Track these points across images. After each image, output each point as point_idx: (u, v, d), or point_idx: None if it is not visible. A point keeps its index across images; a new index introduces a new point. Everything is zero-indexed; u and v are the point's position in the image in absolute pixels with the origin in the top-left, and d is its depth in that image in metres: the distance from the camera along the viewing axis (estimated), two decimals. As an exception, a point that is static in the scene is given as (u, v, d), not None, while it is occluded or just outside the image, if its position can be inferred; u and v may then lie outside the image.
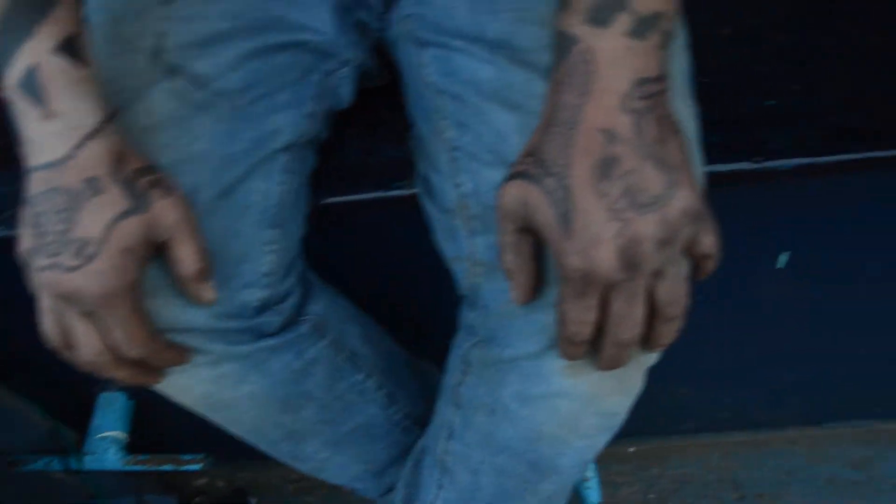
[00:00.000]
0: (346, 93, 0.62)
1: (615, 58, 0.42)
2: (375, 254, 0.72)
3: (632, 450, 1.10)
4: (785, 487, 1.07)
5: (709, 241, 0.46)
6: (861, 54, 0.66)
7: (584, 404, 0.55)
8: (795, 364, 0.95)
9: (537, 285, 0.50)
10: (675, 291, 0.46)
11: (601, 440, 0.60)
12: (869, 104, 0.63)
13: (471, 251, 0.55)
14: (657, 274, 0.45)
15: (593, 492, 0.96)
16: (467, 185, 0.53)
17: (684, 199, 0.43)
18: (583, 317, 0.46)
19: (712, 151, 0.57)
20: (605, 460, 1.09)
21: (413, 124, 0.61)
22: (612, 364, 0.49)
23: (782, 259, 0.76)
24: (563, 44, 0.44)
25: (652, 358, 0.55)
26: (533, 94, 0.50)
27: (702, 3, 0.68)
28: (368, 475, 0.74)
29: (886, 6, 0.69)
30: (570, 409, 0.55)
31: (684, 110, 0.53)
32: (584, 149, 0.42)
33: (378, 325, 0.73)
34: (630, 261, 0.43)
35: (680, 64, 0.55)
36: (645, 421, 1.02)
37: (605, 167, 0.42)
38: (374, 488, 0.75)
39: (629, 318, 0.45)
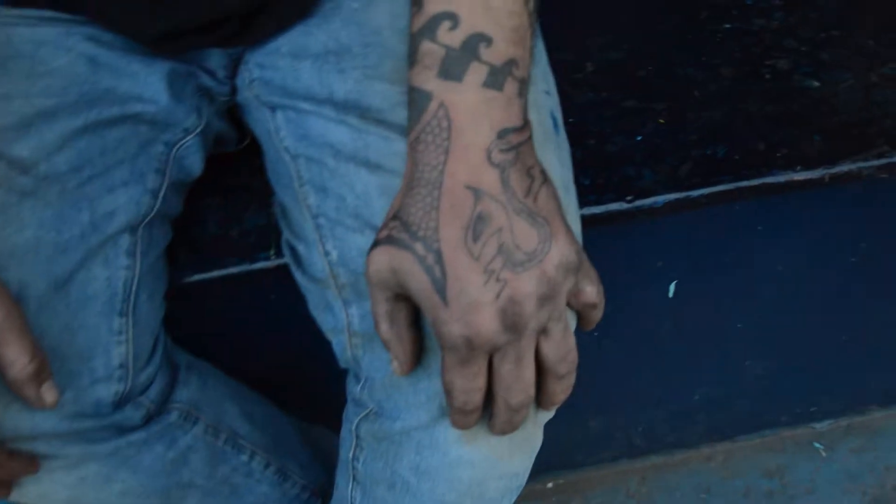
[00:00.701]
0: (194, 163, 0.58)
1: (473, 111, 0.40)
2: (250, 328, 0.68)
3: (550, 485, 1.08)
4: (704, 505, 1.07)
5: (591, 290, 0.44)
6: (721, 85, 0.67)
7: (486, 470, 0.52)
8: (700, 384, 0.96)
9: (418, 353, 0.47)
10: (562, 348, 0.44)
11: (507, 502, 0.57)
12: (731, 134, 0.63)
13: (347, 322, 0.52)
14: (542, 332, 0.43)
15: (512, 537, 0.94)
16: (334, 254, 0.51)
17: (560, 251, 0.41)
18: (470, 385, 0.43)
19: (584, 193, 0.56)
20: (525, 498, 1.07)
21: (274, 192, 0.57)
22: (507, 428, 0.47)
23: (672, 288, 0.76)
24: (418, 100, 0.41)
25: (549, 414, 0.53)
26: (391, 152, 0.48)
27: (562, 42, 0.67)
28: (270, 555, 0.70)
29: (744, 36, 0.70)
30: (472, 478, 0.52)
31: (553, 157, 0.51)
32: (452, 209, 0.40)
33: (262, 398, 0.70)
34: (512, 322, 0.41)
35: (545, 109, 0.53)
36: (560, 456, 1.02)
37: (476, 227, 0.40)
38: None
39: (519, 381, 0.43)
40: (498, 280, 0.40)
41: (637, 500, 1.08)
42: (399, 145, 0.48)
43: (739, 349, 0.91)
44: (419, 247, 0.40)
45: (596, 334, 0.79)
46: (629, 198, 0.59)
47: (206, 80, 0.58)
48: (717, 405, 1.00)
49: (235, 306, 0.64)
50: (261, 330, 0.68)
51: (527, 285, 0.40)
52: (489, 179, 0.40)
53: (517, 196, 0.40)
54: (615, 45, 0.69)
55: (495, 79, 0.40)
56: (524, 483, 0.57)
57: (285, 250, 0.57)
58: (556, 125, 0.53)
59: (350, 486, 0.59)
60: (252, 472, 0.66)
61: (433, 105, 0.40)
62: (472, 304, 0.40)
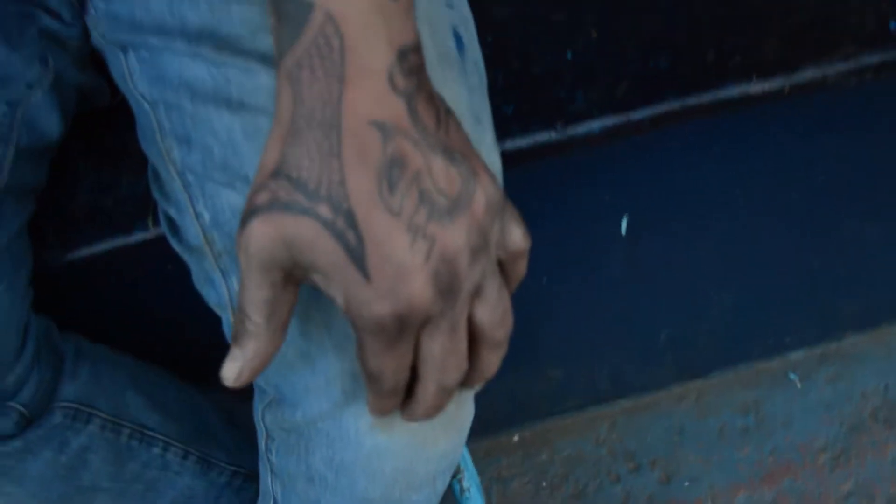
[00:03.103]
0: (50, 124, 0.50)
1: (368, 24, 0.32)
2: (149, 308, 0.61)
3: (516, 439, 1.04)
4: (677, 448, 1.04)
5: (518, 234, 0.37)
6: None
7: (410, 458, 0.47)
8: (664, 323, 0.92)
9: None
10: (499, 309, 0.37)
11: (442, 483, 0.52)
12: (675, 46, 0.56)
13: (229, 296, 0.45)
14: (476, 292, 0.36)
15: (475, 501, 0.89)
16: (206, 215, 0.44)
17: (485, 190, 0.35)
18: (401, 365, 0.37)
19: (506, 123, 0.49)
20: (492, 454, 1.03)
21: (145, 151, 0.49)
22: (433, 412, 0.40)
23: (624, 224, 0.70)
24: (293, 12, 0.33)
25: (475, 389, 0.47)
26: (255, 87, 0.41)
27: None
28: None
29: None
30: (396, 467, 0.46)
31: (458, 85, 0.44)
32: (358, 154, 0.32)
33: (176, 382, 0.65)
34: (448, 285, 0.34)
35: (445, 25, 0.45)
36: (524, 408, 0.98)
37: (390, 174, 0.33)
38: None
39: (454, 355, 0.37)
40: (425, 237, 0.33)
41: (608, 446, 1.04)
42: (263, 78, 0.40)
43: (704, 282, 0.87)
44: (323, 209, 0.33)
45: (545, 280, 0.73)
46: (559, 125, 0.52)
47: (50, 23, 0.49)
48: (684, 343, 0.97)
49: (125, 285, 0.57)
50: (162, 308, 0.61)
51: (458, 238, 0.34)
52: (396, 112, 0.33)
53: (429, 130, 0.34)
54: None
55: None
56: (458, 459, 0.52)
57: (161, 218, 0.50)
58: (460, 45, 0.45)
59: (270, 478, 0.55)
60: (168, 464, 0.61)
61: (317, 16, 0.32)
62: (401, 272, 0.33)
